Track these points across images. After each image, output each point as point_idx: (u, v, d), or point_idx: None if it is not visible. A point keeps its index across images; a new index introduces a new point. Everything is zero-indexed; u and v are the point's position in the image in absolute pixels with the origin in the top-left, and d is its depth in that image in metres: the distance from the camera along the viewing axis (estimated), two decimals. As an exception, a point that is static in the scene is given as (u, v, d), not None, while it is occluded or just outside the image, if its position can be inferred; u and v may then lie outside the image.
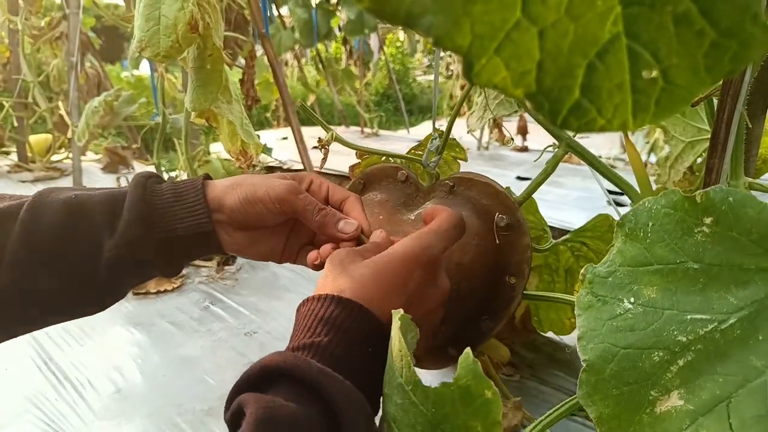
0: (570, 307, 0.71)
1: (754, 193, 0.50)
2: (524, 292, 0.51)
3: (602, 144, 2.51)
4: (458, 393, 0.27)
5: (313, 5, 2.39)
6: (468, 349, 0.27)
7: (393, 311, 0.31)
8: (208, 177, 0.44)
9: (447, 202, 0.51)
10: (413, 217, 0.51)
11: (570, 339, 0.78)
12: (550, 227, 0.72)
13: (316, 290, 0.36)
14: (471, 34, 0.19)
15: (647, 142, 2.08)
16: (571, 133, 0.53)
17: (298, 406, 0.29)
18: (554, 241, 0.67)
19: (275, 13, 2.48)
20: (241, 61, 1.14)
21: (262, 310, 0.97)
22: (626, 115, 0.19)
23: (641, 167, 0.47)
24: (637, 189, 0.50)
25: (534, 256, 0.70)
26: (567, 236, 0.67)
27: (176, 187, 0.42)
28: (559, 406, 0.34)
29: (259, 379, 0.31)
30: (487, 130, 2.69)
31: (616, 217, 0.37)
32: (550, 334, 0.76)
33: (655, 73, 0.18)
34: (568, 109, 0.20)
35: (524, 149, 2.71)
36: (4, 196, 0.41)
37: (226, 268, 1.17)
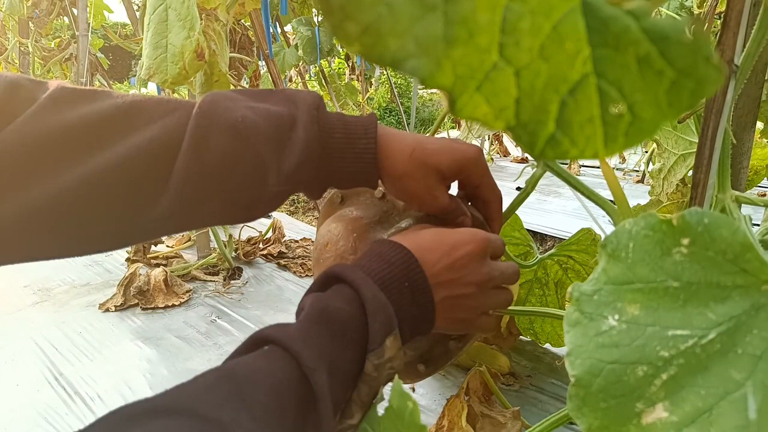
0: (562, 320, 0.72)
1: (743, 205, 0.51)
2: (517, 308, 0.51)
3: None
4: (394, 414, 0.32)
5: (316, 23, 2.43)
6: (395, 377, 0.33)
7: None
8: (376, 120, 0.44)
9: (424, 219, 0.50)
10: (386, 236, 0.50)
11: (564, 350, 0.78)
12: (549, 236, 0.74)
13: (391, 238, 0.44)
14: (453, 74, 0.20)
15: (645, 152, 2.09)
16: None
17: (344, 305, 0.35)
18: (540, 256, 0.68)
19: (279, 31, 2.53)
20: (247, 80, 1.17)
21: (267, 323, 0.98)
22: (597, 146, 0.21)
23: (617, 185, 0.48)
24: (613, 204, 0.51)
25: (523, 271, 0.72)
26: (553, 251, 0.69)
27: (348, 135, 0.42)
28: (549, 417, 0.35)
29: (321, 283, 0.39)
30: (487, 142, 2.71)
31: (607, 231, 0.38)
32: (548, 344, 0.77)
33: (622, 108, 0.20)
34: (545, 141, 0.21)
35: (524, 160, 2.73)
36: (161, 102, 0.40)
37: (232, 282, 1.19)
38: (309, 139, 0.40)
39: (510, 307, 0.47)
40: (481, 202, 0.49)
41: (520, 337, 0.78)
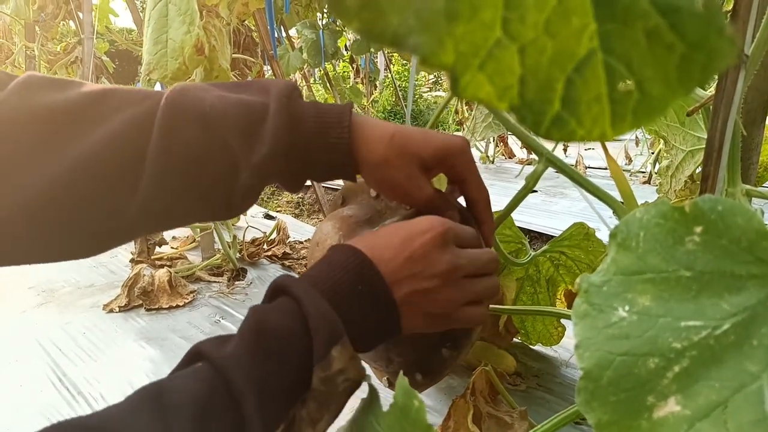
0: (556, 318, 0.71)
1: (754, 199, 0.50)
2: (508, 306, 0.49)
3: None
4: (398, 411, 0.31)
5: (321, 26, 2.44)
6: (401, 373, 0.31)
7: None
8: (352, 107, 0.42)
9: (412, 216, 0.47)
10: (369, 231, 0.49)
11: (564, 356, 0.77)
12: (553, 236, 0.73)
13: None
14: (455, 52, 0.20)
15: (652, 152, 2.08)
16: (550, 146, 0.54)
17: (284, 320, 0.33)
18: (533, 254, 0.67)
19: (283, 34, 2.54)
20: (250, 80, 1.17)
21: (271, 325, 0.98)
22: (604, 126, 0.20)
23: (625, 182, 0.47)
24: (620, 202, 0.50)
25: (514, 269, 0.70)
26: (545, 247, 0.68)
27: (321, 124, 0.40)
28: (558, 415, 0.34)
29: (269, 295, 0.37)
30: (492, 144, 2.70)
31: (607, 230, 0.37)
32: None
33: (630, 85, 0.19)
34: (550, 121, 0.20)
35: (529, 162, 2.72)
36: (131, 92, 0.38)
37: (237, 283, 1.19)
38: (278, 129, 0.38)
39: (501, 306, 0.45)
40: (468, 203, 0.46)
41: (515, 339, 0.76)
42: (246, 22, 1.20)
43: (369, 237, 0.40)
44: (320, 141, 0.40)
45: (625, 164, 2.64)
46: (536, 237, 1.74)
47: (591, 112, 0.20)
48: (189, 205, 0.40)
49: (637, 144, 2.87)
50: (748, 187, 0.49)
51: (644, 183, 2.35)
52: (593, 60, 0.19)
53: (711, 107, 0.43)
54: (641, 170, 2.51)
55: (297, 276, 0.37)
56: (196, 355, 0.32)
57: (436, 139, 0.41)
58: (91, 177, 0.35)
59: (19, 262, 0.37)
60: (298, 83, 3.88)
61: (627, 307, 0.29)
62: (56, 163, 0.34)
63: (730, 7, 0.40)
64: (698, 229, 0.28)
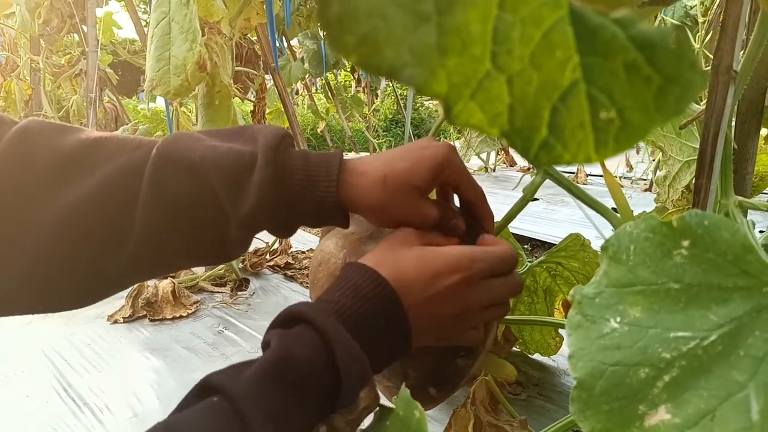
0: (553, 328, 0.72)
1: (750, 211, 0.51)
2: (506, 317, 0.50)
3: (608, 163, 2.52)
4: (400, 422, 0.31)
5: (322, 36, 2.47)
6: (403, 385, 0.31)
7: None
8: (341, 157, 0.42)
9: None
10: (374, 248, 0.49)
11: (564, 365, 0.78)
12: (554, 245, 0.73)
13: (368, 254, 0.41)
14: (447, 83, 0.21)
15: (653, 160, 2.09)
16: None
17: (310, 355, 0.32)
18: (530, 264, 0.68)
19: (285, 44, 2.57)
20: (253, 93, 1.19)
21: (274, 334, 0.99)
22: (589, 151, 0.21)
23: (620, 193, 0.48)
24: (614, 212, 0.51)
25: None
26: (542, 258, 0.69)
27: (309, 177, 0.40)
28: (554, 424, 0.35)
29: (286, 319, 0.35)
30: (493, 152, 2.72)
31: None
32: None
33: (611, 114, 0.20)
34: (538, 146, 0.22)
35: (530, 170, 2.73)
36: (125, 140, 0.39)
37: (240, 293, 1.20)
38: (264, 183, 0.38)
39: None
40: (465, 204, 0.47)
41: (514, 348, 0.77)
42: (248, 35, 1.22)
43: (393, 262, 0.39)
44: (308, 194, 0.40)
45: (626, 172, 2.65)
46: (538, 246, 1.75)
47: (576, 138, 0.21)
48: (179, 253, 0.40)
49: (638, 152, 2.88)
50: (740, 198, 0.50)
51: (645, 191, 2.36)
52: (576, 90, 0.20)
53: (703, 121, 0.44)
54: (642, 178, 2.52)
55: (301, 284, 0.38)
56: (208, 389, 0.31)
57: (425, 162, 0.41)
58: (84, 224, 0.36)
59: (11, 313, 0.37)
60: (300, 93, 3.90)
61: (618, 319, 0.30)
62: (52, 211, 0.35)
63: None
64: (686, 243, 0.30)
